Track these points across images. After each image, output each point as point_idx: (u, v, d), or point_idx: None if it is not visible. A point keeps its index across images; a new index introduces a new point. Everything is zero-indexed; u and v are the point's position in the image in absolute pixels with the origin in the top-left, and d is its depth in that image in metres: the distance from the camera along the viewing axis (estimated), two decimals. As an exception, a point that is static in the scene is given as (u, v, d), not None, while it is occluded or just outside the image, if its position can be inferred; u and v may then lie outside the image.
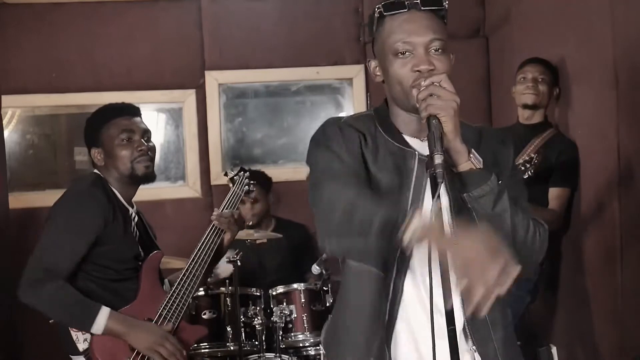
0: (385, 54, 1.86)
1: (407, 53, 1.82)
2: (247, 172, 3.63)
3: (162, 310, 2.91)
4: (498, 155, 1.93)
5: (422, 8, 1.83)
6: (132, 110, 3.04)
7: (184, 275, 3.05)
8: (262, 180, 4.53)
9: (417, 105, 1.75)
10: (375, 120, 1.95)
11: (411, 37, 1.81)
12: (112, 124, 2.96)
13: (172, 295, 2.96)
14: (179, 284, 3.00)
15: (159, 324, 2.88)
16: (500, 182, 1.83)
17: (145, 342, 2.77)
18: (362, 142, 1.90)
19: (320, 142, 1.92)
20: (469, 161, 1.76)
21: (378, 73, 1.93)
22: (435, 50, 1.82)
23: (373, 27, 1.90)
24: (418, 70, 1.80)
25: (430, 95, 1.72)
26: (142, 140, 2.97)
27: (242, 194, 3.50)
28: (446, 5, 1.87)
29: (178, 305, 2.96)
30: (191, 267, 3.09)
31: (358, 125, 1.93)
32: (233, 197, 3.40)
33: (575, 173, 3.86)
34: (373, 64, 1.94)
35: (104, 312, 2.75)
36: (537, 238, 1.85)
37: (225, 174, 3.76)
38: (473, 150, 1.78)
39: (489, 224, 1.75)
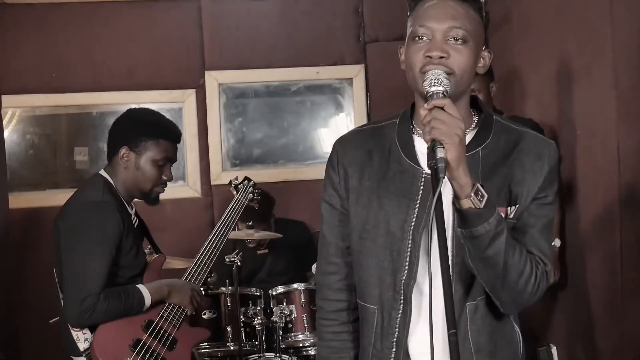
0: (407, 38, 1.79)
1: (424, 38, 1.73)
2: (252, 182, 3.78)
3: (163, 312, 2.93)
4: (527, 171, 1.77)
5: None
6: (179, 137, 3.07)
7: (185, 278, 3.08)
8: (265, 202, 4.23)
9: (422, 123, 1.64)
10: (397, 128, 1.87)
11: (430, 22, 1.73)
12: (161, 142, 2.96)
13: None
14: None
15: (160, 325, 2.89)
16: (512, 215, 1.75)
17: (185, 298, 2.97)
18: (365, 164, 1.86)
19: (324, 181, 1.94)
20: (468, 199, 1.62)
21: (404, 59, 1.83)
22: (455, 40, 1.72)
23: (408, 12, 1.81)
24: (429, 56, 1.71)
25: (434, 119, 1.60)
26: (171, 168, 3.00)
27: (246, 202, 3.64)
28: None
29: (180, 307, 2.98)
30: (193, 270, 3.12)
31: (370, 139, 1.89)
32: (237, 204, 3.56)
33: None
34: (403, 50, 1.84)
35: (144, 291, 2.84)
36: (530, 282, 1.72)
37: (230, 183, 3.81)
38: (479, 185, 1.63)
39: (479, 264, 1.69)
